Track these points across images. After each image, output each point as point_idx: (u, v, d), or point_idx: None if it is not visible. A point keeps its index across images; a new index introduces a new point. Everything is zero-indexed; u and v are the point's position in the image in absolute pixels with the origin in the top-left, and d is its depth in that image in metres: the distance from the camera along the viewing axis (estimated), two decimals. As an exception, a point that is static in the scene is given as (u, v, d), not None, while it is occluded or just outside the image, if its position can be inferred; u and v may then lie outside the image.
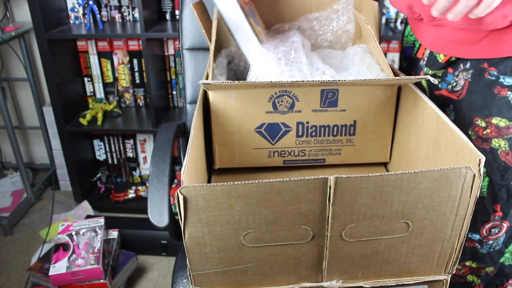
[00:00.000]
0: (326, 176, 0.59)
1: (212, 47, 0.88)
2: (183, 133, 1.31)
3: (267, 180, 0.58)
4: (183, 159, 0.65)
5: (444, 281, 0.73)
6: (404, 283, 0.72)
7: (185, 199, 0.59)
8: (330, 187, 0.60)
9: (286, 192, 0.59)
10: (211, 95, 0.85)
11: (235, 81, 0.81)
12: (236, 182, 0.58)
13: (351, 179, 0.59)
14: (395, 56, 1.85)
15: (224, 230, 0.63)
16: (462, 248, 0.69)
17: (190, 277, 0.69)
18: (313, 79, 0.87)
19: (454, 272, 0.73)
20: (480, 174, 0.61)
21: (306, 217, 0.62)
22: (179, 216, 0.62)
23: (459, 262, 0.86)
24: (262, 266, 0.68)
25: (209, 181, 0.95)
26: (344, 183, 0.60)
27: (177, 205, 0.61)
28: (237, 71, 1.00)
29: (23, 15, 2.04)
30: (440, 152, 0.74)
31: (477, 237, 0.90)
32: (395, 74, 0.89)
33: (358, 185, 0.60)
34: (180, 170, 2.02)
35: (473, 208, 0.65)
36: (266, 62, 0.89)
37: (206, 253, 0.66)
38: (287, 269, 0.69)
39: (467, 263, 0.95)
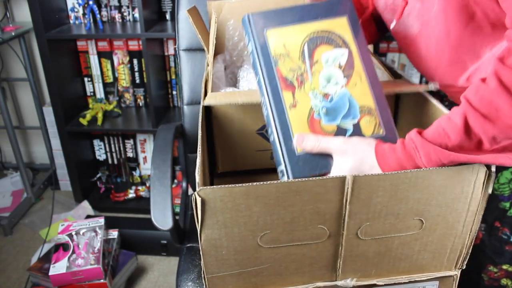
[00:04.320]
0: (344, 176, 0.60)
1: (211, 55, 0.87)
2: (181, 134, 1.29)
3: (286, 181, 0.59)
4: (183, 160, 0.64)
5: (455, 276, 0.74)
6: (416, 279, 0.73)
7: (202, 201, 0.59)
8: (347, 186, 0.60)
9: (305, 192, 0.60)
10: None
11: (235, 89, 0.79)
12: (255, 183, 0.58)
13: (368, 177, 0.60)
14: (395, 56, 1.86)
15: (241, 232, 0.63)
16: (472, 244, 0.70)
17: (205, 280, 0.68)
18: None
19: (464, 267, 0.74)
20: (492, 171, 0.62)
21: (323, 216, 0.63)
22: (195, 218, 0.61)
23: (495, 265, 0.88)
24: (277, 266, 0.68)
25: (211, 185, 0.94)
26: (362, 181, 0.60)
27: (193, 207, 0.60)
28: (232, 78, 1.00)
29: (23, 15, 2.02)
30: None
31: None
32: (395, 75, 0.89)
33: (374, 183, 0.61)
34: (180, 171, 2.02)
35: (484, 205, 0.66)
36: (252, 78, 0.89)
37: (222, 255, 0.65)
38: (302, 269, 0.69)
39: (504, 267, 0.93)
